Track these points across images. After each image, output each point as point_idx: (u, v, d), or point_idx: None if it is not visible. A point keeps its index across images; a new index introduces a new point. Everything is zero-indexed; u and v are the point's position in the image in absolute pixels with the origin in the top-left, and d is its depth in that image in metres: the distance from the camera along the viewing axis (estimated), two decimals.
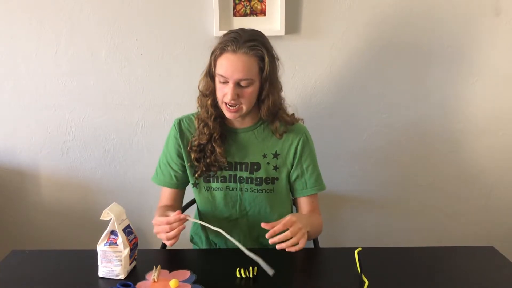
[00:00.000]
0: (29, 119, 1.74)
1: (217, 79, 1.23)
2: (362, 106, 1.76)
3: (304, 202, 1.36)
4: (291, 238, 1.08)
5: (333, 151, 1.78)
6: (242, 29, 1.24)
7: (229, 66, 1.18)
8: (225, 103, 1.23)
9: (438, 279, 1.10)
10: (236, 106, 1.22)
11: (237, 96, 1.20)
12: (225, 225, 1.36)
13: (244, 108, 1.23)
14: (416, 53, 1.71)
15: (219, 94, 1.24)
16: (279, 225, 1.09)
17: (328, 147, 1.75)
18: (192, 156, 1.31)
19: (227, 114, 1.25)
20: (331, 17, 1.67)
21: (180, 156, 1.34)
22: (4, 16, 1.65)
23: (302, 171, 1.34)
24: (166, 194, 1.37)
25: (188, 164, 1.33)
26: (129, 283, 1.03)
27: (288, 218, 1.12)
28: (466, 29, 1.69)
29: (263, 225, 1.10)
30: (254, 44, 1.19)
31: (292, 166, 1.34)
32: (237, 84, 1.20)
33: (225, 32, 1.26)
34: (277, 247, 1.07)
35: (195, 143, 1.30)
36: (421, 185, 1.85)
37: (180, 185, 1.37)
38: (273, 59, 1.25)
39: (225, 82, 1.21)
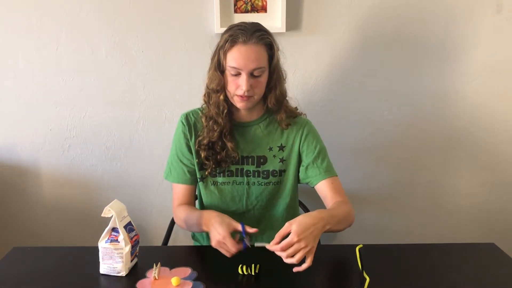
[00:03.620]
0: (30, 117, 1.74)
1: (228, 73, 1.24)
2: (363, 103, 1.76)
3: (324, 187, 1.31)
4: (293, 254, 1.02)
5: (334, 148, 1.77)
6: (242, 22, 1.25)
7: (242, 57, 1.20)
8: (237, 95, 1.23)
9: (439, 276, 1.10)
10: (249, 96, 1.23)
11: (250, 87, 1.21)
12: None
13: (256, 97, 1.25)
14: (417, 50, 1.71)
15: (231, 87, 1.24)
16: (281, 245, 1.02)
17: (328, 144, 1.73)
18: (202, 154, 1.30)
19: (239, 105, 1.25)
20: (332, 14, 1.66)
21: (190, 151, 1.34)
22: (4, 13, 1.64)
23: (313, 158, 1.33)
24: (182, 191, 1.36)
25: (196, 160, 1.33)
26: None
27: (287, 241, 1.01)
28: (467, 26, 1.68)
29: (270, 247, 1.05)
30: (262, 33, 1.22)
31: (299, 156, 1.34)
32: (250, 75, 1.21)
33: (225, 29, 1.26)
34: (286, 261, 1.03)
35: (204, 141, 1.30)
36: (421, 182, 1.85)
37: (194, 181, 1.36)
38: (277, 46, 1.27)
39: (237, 74, 1.22)
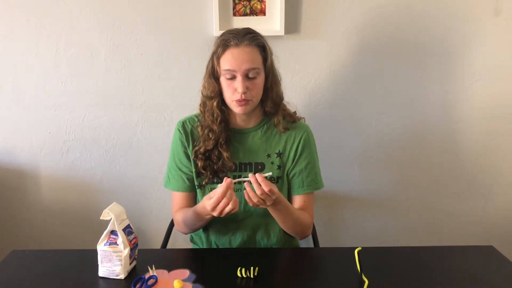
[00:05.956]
0: (29, 119, 1.74)
1: (223, 78, 1.24)
2: (361, 106, 1.76)
3: (296, 200, 1.35)
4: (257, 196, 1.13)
5: (333, 151, 1.78)
6: (233, 28, 1.27)
7: (235, 59, 1.20)
8: (235, 100, 1.23)
9: (437, 279, 1.10)
10: (247, 100, 1.23)
11: (247, 89, 1.21)
12: (229, 226, 1.36)
13: (254, 100, 1.25)
14: (415, 52, 1.71)
15: (227, 93, 1.24)
16: (262, 188, 1.12)
17: (327, 147, 1.75)
18: (199, 164, 1.30)
19: (238, 109, 1.25)
20: (330, 17, 1.67)
21: (189, 158, 1.34)
22: (4, 16, 1.65)
23: (300, 170, 1.34)
24: (181, 199, 1.36)
25: (194, 169, 1.33)
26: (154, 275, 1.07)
27: (274, 191, 1.14)
28: (466, 29, 1.69)
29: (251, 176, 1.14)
30: (254, 35, 1.23)
31: (292, 163, 1.34)
32: (246, 77, 1.21)
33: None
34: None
35: (201, 150, 1.30)
36: (420, 185, 1.85)
37: (193, 188, 1.36)
38: (270, 50, 1.28)
39: (233, 78, 1.22)
